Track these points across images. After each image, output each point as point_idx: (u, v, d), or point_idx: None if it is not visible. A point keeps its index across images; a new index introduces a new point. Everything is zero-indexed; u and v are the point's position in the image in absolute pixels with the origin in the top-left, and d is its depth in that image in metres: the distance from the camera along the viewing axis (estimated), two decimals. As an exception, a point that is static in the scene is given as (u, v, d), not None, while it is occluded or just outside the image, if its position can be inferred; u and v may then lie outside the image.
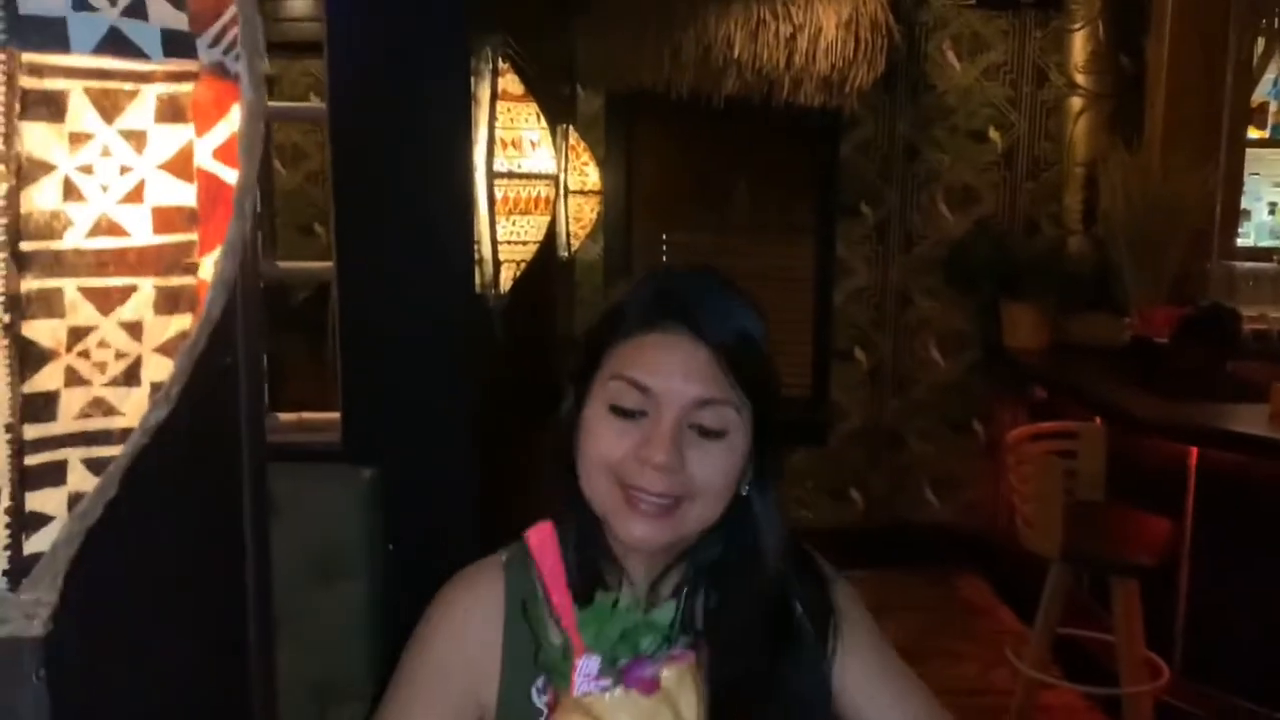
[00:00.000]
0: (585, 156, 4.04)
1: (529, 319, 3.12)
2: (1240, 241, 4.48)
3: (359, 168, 2.22)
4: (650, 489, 0.97)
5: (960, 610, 4.39)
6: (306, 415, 2.58)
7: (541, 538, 0.79)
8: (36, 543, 0.57)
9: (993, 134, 4.55)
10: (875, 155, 4.55)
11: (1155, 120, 4.18)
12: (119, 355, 0.54)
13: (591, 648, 0.75)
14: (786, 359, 4.50)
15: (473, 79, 2.22)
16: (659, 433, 0.97)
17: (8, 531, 0.55)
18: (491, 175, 2.23)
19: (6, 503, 0.54)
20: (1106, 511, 3.24)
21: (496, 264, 2.34)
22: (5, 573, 0.57)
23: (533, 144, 2.31)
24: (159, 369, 0.56)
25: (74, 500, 0.56)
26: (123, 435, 0.56)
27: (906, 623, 4.18)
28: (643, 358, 0.99)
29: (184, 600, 0.88)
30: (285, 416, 2.59)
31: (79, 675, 0.63)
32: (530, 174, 2.31)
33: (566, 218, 4.01)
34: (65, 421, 0.55)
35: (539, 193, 2.34)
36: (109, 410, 0.55)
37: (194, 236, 0.54)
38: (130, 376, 0.55)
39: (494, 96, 2.23)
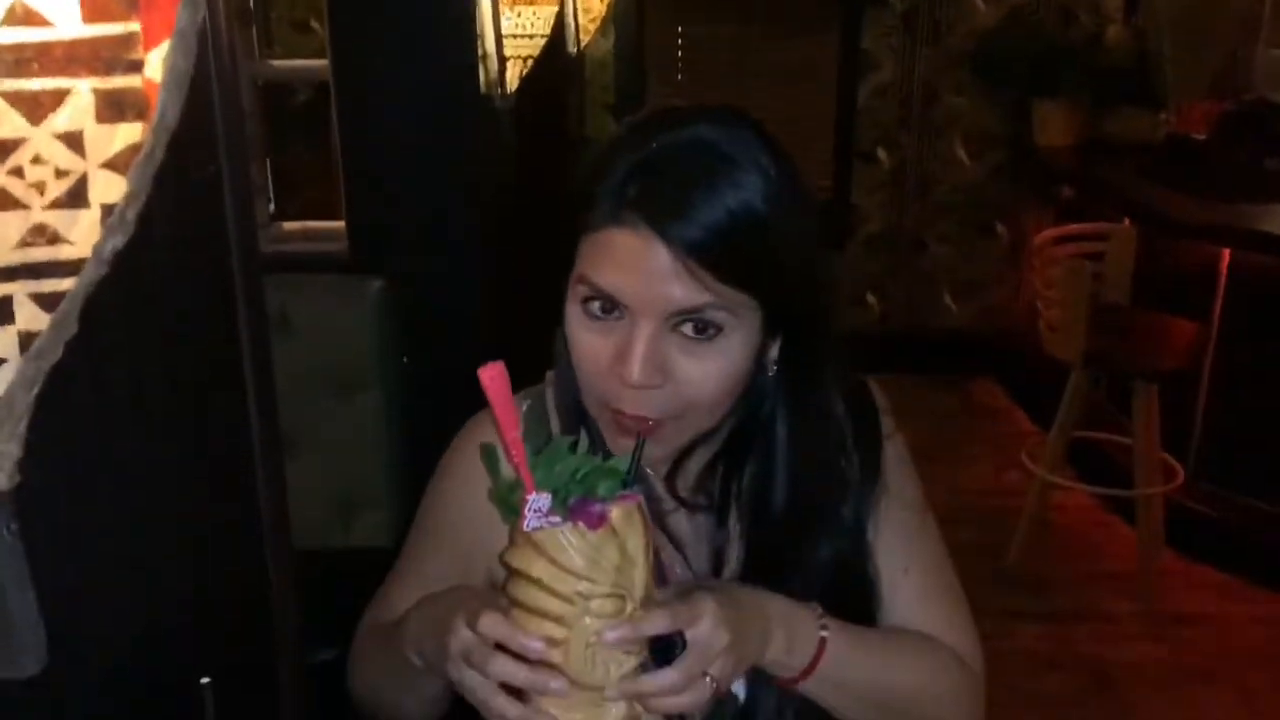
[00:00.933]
0: (594, -56, 3.77)
1: (538, 121, 2.98)
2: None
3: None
4: (634, 410, 0.85)
5: (975, 414, 4.41)
6: (311, 224, 2.50)
7: (493, 375, 0.74)
8: (-10, 388, 0.50)
9: (1032, -87, 4.22)
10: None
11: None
12: (59, 173, 0.46)
13: (541, 486, 0.73)
14: (806, 160, 4.33)
15: None
16: (634, 345, 0.83)
17: (-45, 376, 0.48)
18: (493, -38, 2.06)
19: (-52, 344, 0.47)
20: (1131, 315, 3.17)
21: (501, 61, 2.19)
22: (-42, 421, 0.50)
23: (538, -75, 2.12)
24: (109, 188, 0.47)
25: (25, 341, 0.49)
26: (75, 266, 0.49)
27: (920, 426, 4.15)
28: (607, 258, 0.83)
29: (174, 429, 0.83)
30: (289, 225, 2.50)
31: (56, 527, 0.57)
32: (536, -39, 2.13)
33: (575, 9, 3.78)
34: (4, 252, 0.47)
35: (546, -20, 2.16)
36: (54, 238, 0.47)
37: (135, 27, 0.44)
38: (75, 198, 0.47)
39: None
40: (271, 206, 2.58)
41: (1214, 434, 3.30)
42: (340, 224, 2.36)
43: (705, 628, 0.78)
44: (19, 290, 0.48)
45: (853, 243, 4.57)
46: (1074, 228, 3.31)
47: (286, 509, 1.16)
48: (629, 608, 0.74)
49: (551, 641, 0.74)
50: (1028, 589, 3.15)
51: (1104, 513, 3.53)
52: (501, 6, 2.12)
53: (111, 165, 0.47)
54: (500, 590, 0.78)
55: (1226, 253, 3.21)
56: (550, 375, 0.99)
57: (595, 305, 0.85)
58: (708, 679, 0.79)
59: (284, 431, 1.27)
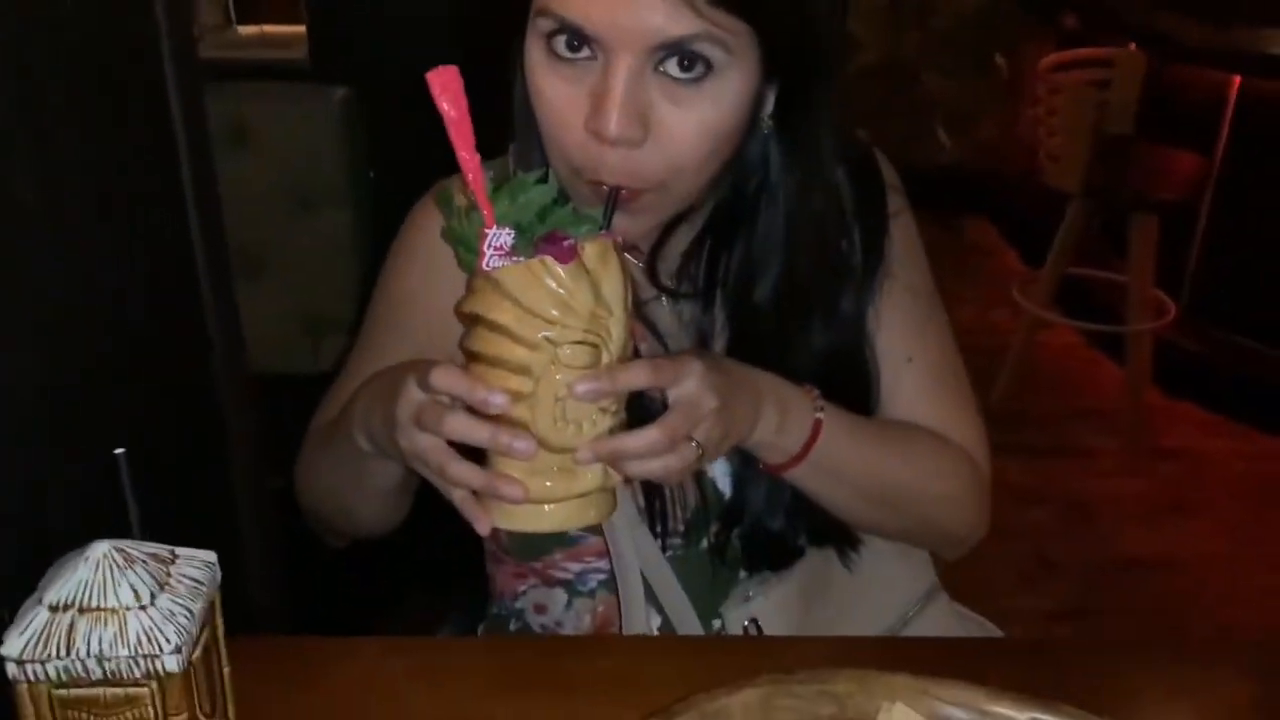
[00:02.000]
0: None
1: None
2: None
3: None
4: (612, 178, 0.73)
5: (966, 252, 4.32)
6: (269, 28, 2.32)
7: (445, 81, 0.61)
8: None
9: None
10: None
11: None
12: None
13: (503, 220, 0.62)
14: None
15: None
16: (609, 94, 0.70)
17: None
18: None
19: None
20: (1134, 146, 3.05)
21: None
22: None
23: None
24: None
25: None
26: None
27: (908, 265, 4.12)
28: None
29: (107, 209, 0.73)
30: (245, 30, 2.33)
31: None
32: None
33: None
34: None
35: None
36: None
37: None
38: None
39: None
40: (232, 12, 2.40)
41: (1209, 270, 3.24)
42: (301, 29, 2.19)
43: (691, 387, 0.70)
44: None
45: (846, 73, 4.37)
46: (1080, 52, 3.15)
47: (239, 329, 1.07)
48: (605, 359, 0.64)
49: (516, 396, 0.64)
50: (1011, 424, 3.13)
51: (1090, 350, 3.49)
52: None
53: None
54: (459, 347, 0.68)
55: (1236, 80, 3.07)
56: (513, 148, 0.87)
57: (560, 41, 0.72)
58: (693, 443, 0.70)
59: (247, 250, 1.17)
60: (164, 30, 0.87)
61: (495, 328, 0.63)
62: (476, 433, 0.65)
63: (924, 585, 0.99)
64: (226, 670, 0.57)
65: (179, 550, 0.54)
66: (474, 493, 0.67)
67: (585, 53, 0.72)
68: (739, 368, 0.79)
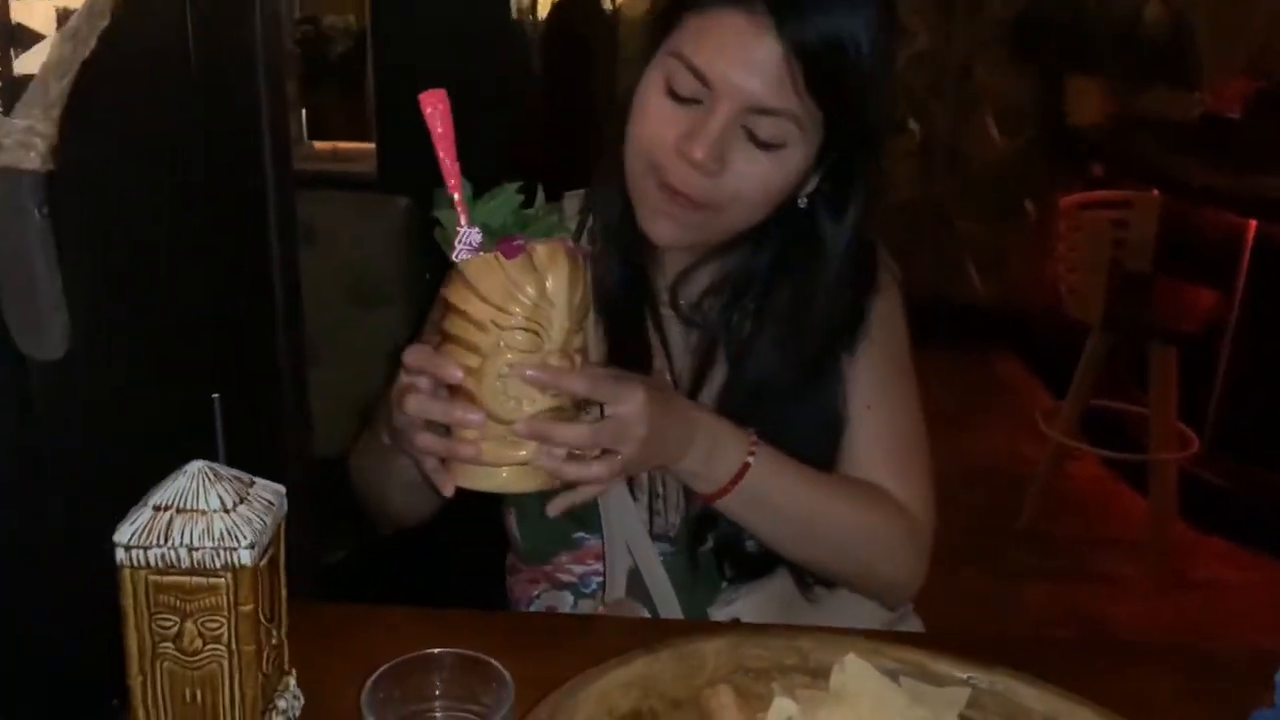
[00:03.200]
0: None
1: (566, 48, 3.00)
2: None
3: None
4: (682, 187, 0.88)
5: (995, 387, 4.40)
6: (341, 145, 2.55)
7: (432, 103, 0.74)
8: (25, 63, 0.55)
9: (1076, -115, 4.21)
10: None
11: (1254, -128, 3.83)
12: None
13: (477, 220, 0.74)
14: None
15: None
16: (707, 128, 0.86)
17: (-6, 44, 0.53)
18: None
19: (-11, 8, 0.51)
20: (1152, 281, 3.17)
21: (535, -13, 2.23)
22: (-3, 93, 0.55)
23: None
24: None
25: (62, 17, 0.53)
26: (108, -53, 0.53)
27: (938, 397, 4.15)
28: (709, 39, 0.86)
29: (196, 215, 0.87)
30: (320, 145, 2.56)
31: (85, 221, 0.62)
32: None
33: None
34: (44, -80, 0.51)
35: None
36: (91, -88, 0.51)
37: None
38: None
39: None
40: (305, 130, 2.64)
41: (1232, 405, 3.30)
42: (370, 145, 2.41)
43: (626, 409, 0.80)
44: (56, -39, 0.52)
45: (879, 208, 4.57)
46: (1099, 194, 3.31)
47: (309, 410, 1.20)
48: (545, 346, 0.75)
49: (468, 370, 0.75)
50: (1037, 550, 3.16)
51: (1117, 482, 3.53)
52: (536, -70, 2.16)
53: None
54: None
55: (1253, 224, 3.20)
56: (569, 194, 1.02)
57: (681, 81, 0.87)
58: (616, 456, 0.81)
59: (306, 340, 1.32)
60: (267, 143, 1.03)
61: (456, 311, 0.75)
62: (431, 407, 0.77)
63: (901, 605, 1.07)
64: (284, 591, 0.68)
65: (256, 478, 0.66)
66: (443, 464, 0.79)
67: (694, 102, 0.87)
68: (680, 402, 0.90)
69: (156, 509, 0.62)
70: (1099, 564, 3.10)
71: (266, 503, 0.65)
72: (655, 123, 0.89)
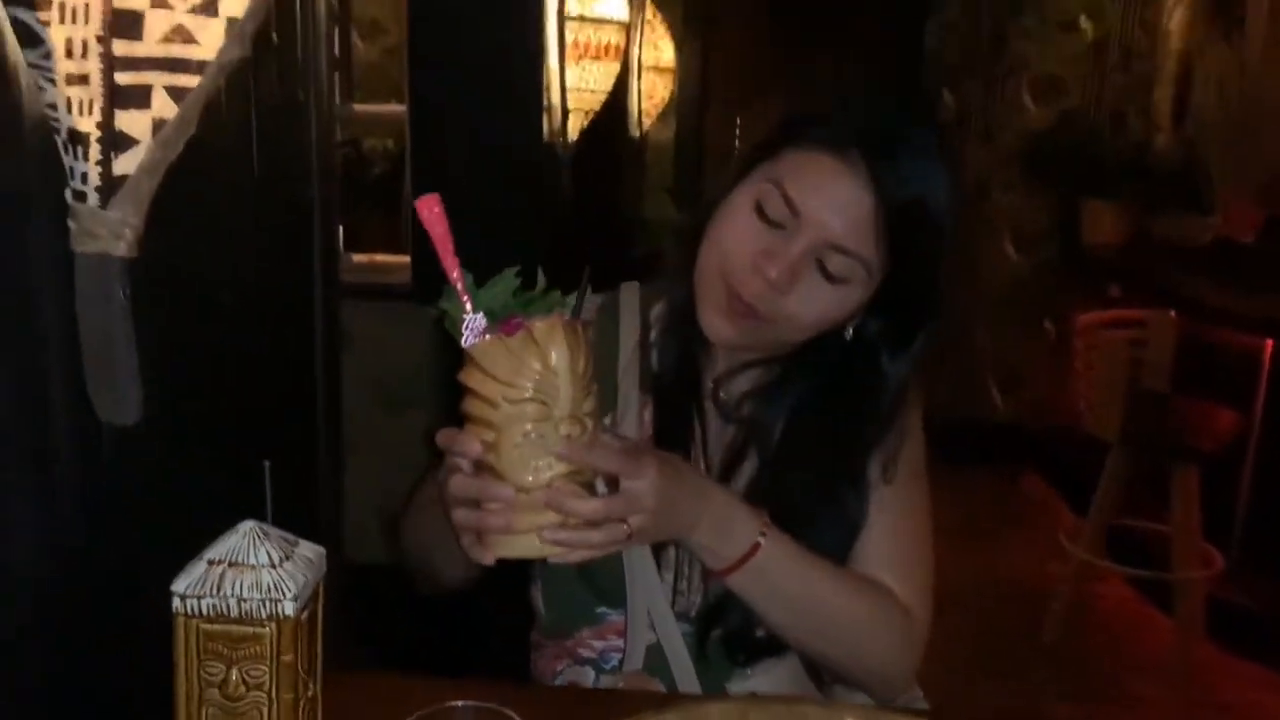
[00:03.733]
0: (662, 31, 4.01)
1: (595, 170, 3.14)
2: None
3: (434, 12, 2.25)
4: (748, 298, 0.96)
5: (1019, 506, 4.40)
6: (378, 257, 2.67)
7: (428, 206, 0.81)
8: (123, 164, 0.63)
9: (1084, 23, 4.40)
10: (959, 41, 4.44)
11: (1259, 11, 4.00)
12: (199, -17, 0.59)
13: (479, 307, 0.80)
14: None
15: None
16: (786, 252, 0.94)
17: (99, 148, 0.61)
18: (563, 18, 2.25)
19: (99, 116, 0.60)
20: (1171, 399, 3.20)
21: (565, 112, 2.37)
22: (97, 189, 0.63)
23: (606, -14, 2.32)
24: (235, 3, 0.61)
25: (157, 126, 0.62)
26: (200, 66, 0.62)
27: (961, 515, 4.20)
28: (807, 176, 0.95)
29: (255, 302, 0.95)
30: (358, 257, 2.68)
31: (161, 302, 0.70)
32: (602, 18, 2.32)
33: (639, 94, 4.00)
34: (150, 44, 0.60)
35: (609, 39, 2.35)
36: (188, 38, 0.61)
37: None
38: (209, 7, 0.60)
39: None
40: (342, 242, 2.76)
41: (1257, 524, 3.28)
42: (405, 258, 2.52)
43: (639, 485, 0.86)
44: (157, 80, 0.61)
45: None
46: (1116, 313, 3.38)
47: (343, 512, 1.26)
48: (555, 414, 0.81)
49: (487, 446, 0.81)
50: (1060, 668, 3.13)
51: (1143, 603, 3.49)
52: (568, 60, 2.30)
53: (238, -16, 0.61)
54: None
55: (1269, 344, 3.24)
56: (625, 284, 1.11)
57: (771, 208, 0.96)
58: (624, 526, 0.86)
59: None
60: (317, 241, 1.12)
61: (471, 392, 0.81)
62: (466, 484, 0.83)
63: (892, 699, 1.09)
64: (320, 649, 0.73)
65: (300, 539, 0.72)
66: (479, 538, 0.84)
67: (778, 228, 0.96)
68: (693, 477, 0.95)
69: (210, 563, 0.68)
70: (1124, 685, 3.06)
71: (308, 561, 0.70)
72: (740, 235, 0.97)
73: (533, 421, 0.81)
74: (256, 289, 0.96)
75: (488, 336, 0.80)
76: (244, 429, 0.96)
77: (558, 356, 0.80)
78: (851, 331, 1.02)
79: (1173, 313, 3.40)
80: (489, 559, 0.84)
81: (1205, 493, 3.07)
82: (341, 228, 2.84)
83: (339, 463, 1.20)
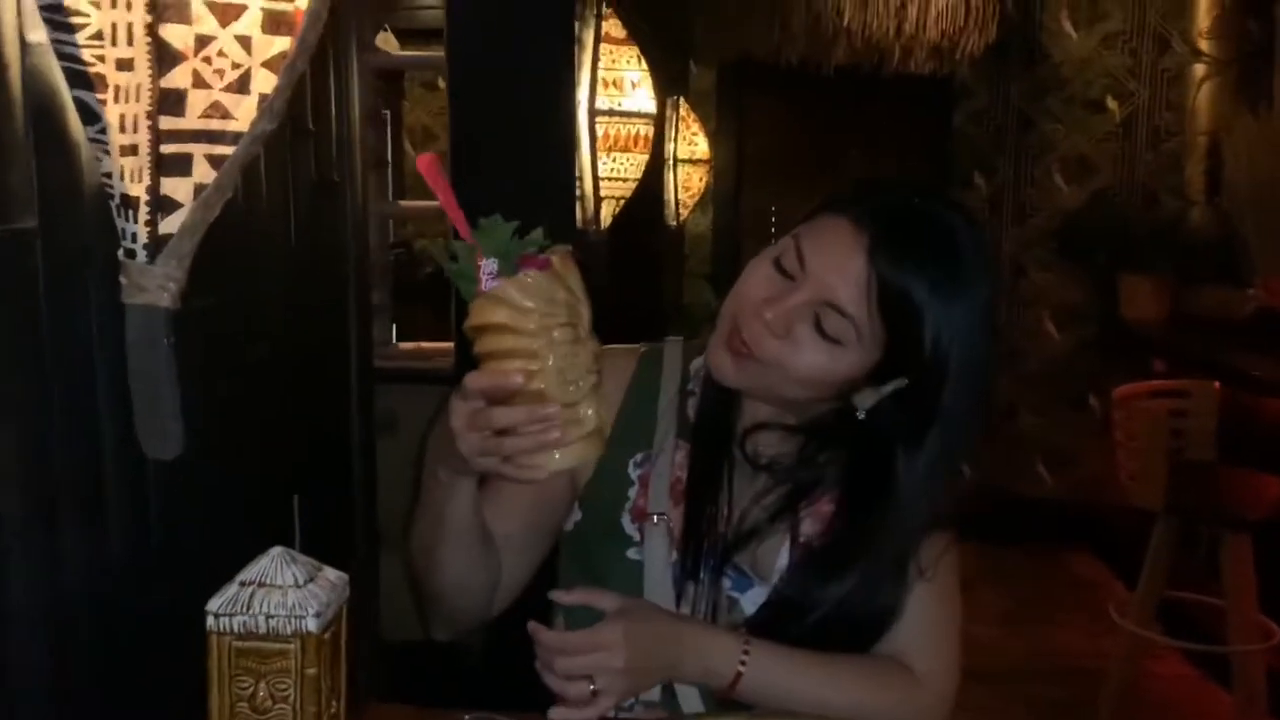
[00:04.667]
0: (695, 127, 4.16)
1: (633, 273, 3.25)
2: (1378, 211, 4.29)
3: (474, 109, 2.38)
4: (747, 337, 1.01)
5: (1072, 584, 4.32)
6: (424, 344, 2.77)
7: (429, 162, 0.86)
8: (168, 225, 0.72)
9: (1111, 104, 4.48)
10: (989, 125, 4.54)
11: (1285, 85, 4.05)
12: (234, 65, 0.69)
13: (487, 250, 0.86)
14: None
15: (577, 24, 2.37)
16: (786, 301, 1.00)
17: (148, 210, 0.70)
18: (594, 113, 2.37)
19: (148, 182, 0.69)
20: (1215, 468, 3.17)
21: (598, 200, 2.48)
22: (145, 247, 0.71)
23: (633, 84, 2.45)
24: (265, 81, 0.70)
25: (198, 190, 0.71)
26: (235, 138, 0.71)
27: (1014, 593, 4.14)
28: (822, 237, 1.01)
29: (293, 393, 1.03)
30: (405, 345, 2.78)
31: (201, 350, 0.77)
32: (630, 112, 2.44)
33: (675, 185, 4.14)
34: (191, 119, 0.69)
35: (638, 130, 2.47)
36: (225, 114, 0.70)
37: (292, -32, 0.68)
38: (242, 85, 0.69)
39: (597, 39, 2.37)
40: (394, 334, 2.88)
41: (1314, 596, 3.20)
42: (449, 345, 2.62)
43: (601, 657, 0.95)
44: (197, 150, 0.70)
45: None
46: (1156, 384, 3.37)
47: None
48: (581, 333, 0.88)
49: (528, 374, 0.86)
50: (1120, 751, 3.05)
51: (1203, 680, 3.40)
52: (599, 151, 2.42)
53: (269, 65, 0.69)
54: (473, 354, 0.91)
55: (1314, 412, 3.22)
56: (670, 339, 1.19)
57: (786, 260, 1.03)
58: (587, 685, 0.94)
59: (381, 523, 1.43)
60: (353, 343, 1.20)
61: (503, 329, 0.86)
62: (517, 415, 0.87)
63: None
64: (344, 669, 0.78)
65: (325, 565, 0.78)
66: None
67: (789, 280, 1.02)
68: (665, 626, 1.00)
69: (242, 584, 0.74)
70: (1186, 764, 2.97)
71: (331, 584, 0.76)
72: (754, 281, 1.04)
73: (568, 342, 0.87)
74: (290, 348, 1.04)
75: (521, 275, 0.85)
76: (278, 474, 1.03)
77: (575, 283, 0.88)
78: (864, 413, 1.04)
79: (1216, 383, 3.40)
80: (544, 474, 0.89)
81: (1261, 564, 3.02)
82: (394, 324, 2.97)
83: (372, 529, 1.26)
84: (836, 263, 1.00)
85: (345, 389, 1.18)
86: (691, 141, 4.14)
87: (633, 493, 1.12)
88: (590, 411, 0.91)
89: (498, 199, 2.47)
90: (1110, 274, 4.26)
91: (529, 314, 0.86)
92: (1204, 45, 4.17)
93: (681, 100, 4.14)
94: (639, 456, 1.12)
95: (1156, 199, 4.45)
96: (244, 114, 0.70)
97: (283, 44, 0.70)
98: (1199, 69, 4.21)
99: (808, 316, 1.01)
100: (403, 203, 2.86)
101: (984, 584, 4.34)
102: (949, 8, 3.98)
